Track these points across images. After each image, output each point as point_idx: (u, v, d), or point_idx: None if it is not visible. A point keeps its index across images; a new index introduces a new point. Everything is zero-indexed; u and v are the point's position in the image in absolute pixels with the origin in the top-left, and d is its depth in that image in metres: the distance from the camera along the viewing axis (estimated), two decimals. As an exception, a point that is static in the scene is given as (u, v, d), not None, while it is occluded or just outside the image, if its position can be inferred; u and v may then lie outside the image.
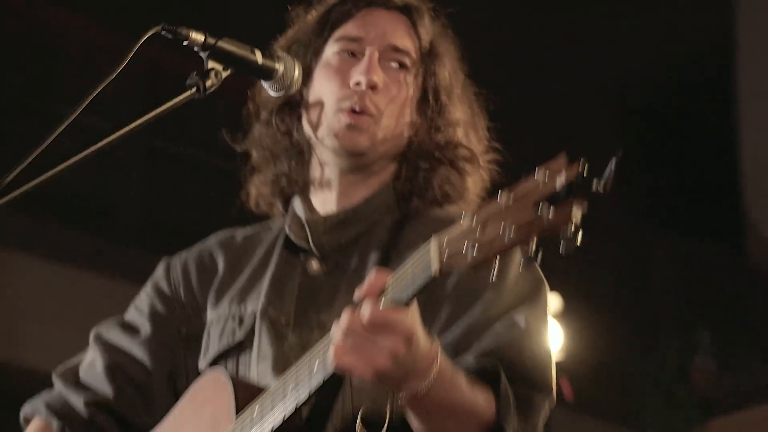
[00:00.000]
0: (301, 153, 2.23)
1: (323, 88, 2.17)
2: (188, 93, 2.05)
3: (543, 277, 2.15)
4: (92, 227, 8.30)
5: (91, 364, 2.28)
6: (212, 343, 2.18)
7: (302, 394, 1.79)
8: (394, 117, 2.14)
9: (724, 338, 9.21)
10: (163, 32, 1.99)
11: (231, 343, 2.14)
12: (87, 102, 1.95)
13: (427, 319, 1.92)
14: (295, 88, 2.14)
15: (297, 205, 2.19)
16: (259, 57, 2.08)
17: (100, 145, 1.99)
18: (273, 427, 1.83)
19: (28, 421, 2.26)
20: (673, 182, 10.56)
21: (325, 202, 2.18)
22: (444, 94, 2.24)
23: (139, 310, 2.32)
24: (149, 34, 2.02)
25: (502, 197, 1.56)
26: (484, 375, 1.87)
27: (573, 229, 1.47)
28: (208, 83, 2.03)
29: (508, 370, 1.92)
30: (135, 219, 8.50)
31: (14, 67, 7.99)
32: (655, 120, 11.46)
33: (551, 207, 1.46)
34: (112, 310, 2.51)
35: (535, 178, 1.51)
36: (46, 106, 7.41)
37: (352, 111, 2.09)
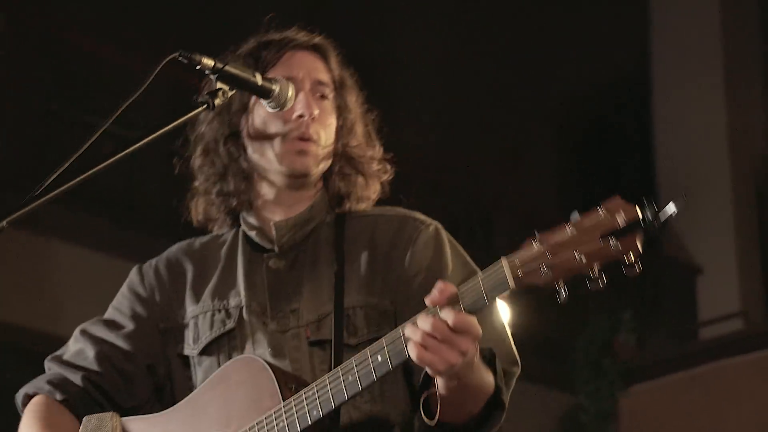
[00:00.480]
0: (248, 176, 2.33)
1: (269, 121, 2.29)
2: (201, 108, 2.21)
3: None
4: (121, 219, 8.79)
5: (80, 352, 2.37)
6: (202, 333, 2.28)
7: (364, 383, 1.92)
8: (329, 140, 2.29)
9: (643, 318, 9.81)
10: (180, 57, 2.14)
11: (222, 331, 2.25)
12: (117, 114, 2.10)
13: (388, 294, 2.23)
14: (289, 105, 2.23)
15: (250, 217, 2.32)
16: (259, 79, 2.22)
17: (129, 150, 2.12)
18: (330, 409, 1.97)
19: (29, 397, 2.35)
20: (600, 182, 11.19)
21: (274, 213, 2.31)
22: (352, 119, 2.37)
23: (119, 310, 2.41)
24: (169, 58, 2.17)
25: (567, 229, 1.76)
26: (484, 358, 2.04)
27: (634, 258, 1.70)
28: (217, 101, 2.16)
29: (502, 356, 2.15)
30: (155, 212, 8.71)
31: (58, 86, 8.68)
32: (586, 133, 12.57)
33: (617, 239, 1.69)
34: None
35: (597, 214, 1.73)
36: (85, 117, 7.92)
37: (300, 139, 2.24)
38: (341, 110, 2.33)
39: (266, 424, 2.01)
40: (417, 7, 11.63)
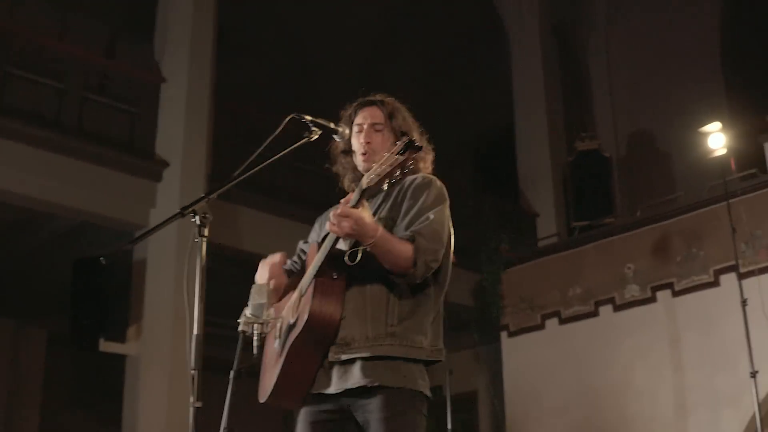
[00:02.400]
0: (354, 168, 3.58)
1: (355, 143, 3.54)
2: (304, 140, 3.44)
3: (446, 196, 3.41)
4: (283, 199, 10.92)
5: (295, 256, 3.74)
6: (323, 233, 3.52)
7: (328, 247, 3.17)
8: (379, 149, 3.42)
9: (512, 236, 13.39)
10: (295, 116, 3.37)
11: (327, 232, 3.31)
12: (261, 148, 3.39)
13: (397, 206, 3.39)
14: (346, 137, 3.52)
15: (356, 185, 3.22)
16: (333, 125, 3.45)
17: (265, 163, 3.41)
18: (323, 257, 3.22)
19: None
20: (489, 184, 15.40)
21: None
22: (399, 129, 3.51)
23: (310, 236, 3.73)
24: (289, 117, 3.41)
25: (381, 159, 2.96)
26: (411, 238, 3.19)
27: (410, 163, 2.91)
28: (313, 136, 3.41)
29: (423, 236, 3.20)
30: (287, 192, 11.20)
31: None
32: (476, 156, 17.00)
33: (401, 156, 2.87)
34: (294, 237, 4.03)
35: (392, 149, 2.92)
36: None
37: (363, 153, 3.49)
38: (394, 132, 3.50)
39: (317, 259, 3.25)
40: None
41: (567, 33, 16.41)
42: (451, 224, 3.42)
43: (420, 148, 2.93)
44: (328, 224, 3.09)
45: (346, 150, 3.59)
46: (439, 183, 3.43)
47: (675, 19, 15.60)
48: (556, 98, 15.36)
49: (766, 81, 11.53)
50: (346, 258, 3.14)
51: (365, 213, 3.08)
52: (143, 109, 10.28)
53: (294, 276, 3.60)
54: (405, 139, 2.90)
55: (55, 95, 9.53)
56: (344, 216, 3.03)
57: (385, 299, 3.23)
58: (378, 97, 3.59)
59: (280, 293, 3.55)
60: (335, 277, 3.20)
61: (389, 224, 3.30)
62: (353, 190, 3.36)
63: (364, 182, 2.97)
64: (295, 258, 3.73)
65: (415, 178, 3.37)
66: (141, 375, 9.44)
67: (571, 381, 11.90)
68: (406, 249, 3.15)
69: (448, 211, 3.38)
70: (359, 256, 3.12)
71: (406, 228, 3.28)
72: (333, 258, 3.21)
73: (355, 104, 3.61)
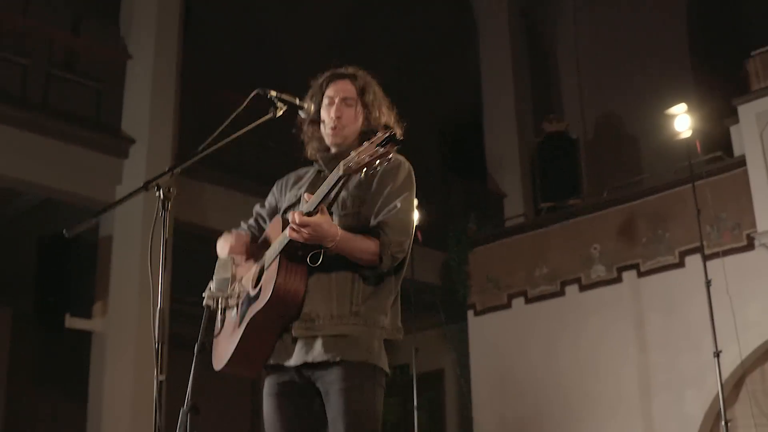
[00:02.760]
0: (320, 138, 3.58)
1: (324, 115, 3.53)
2: (269, 116, 3.43)
3: (414, 179, 3.45)
4: (248, 176, 10.81)
5: (251, 219, 3.80)
6: (286, 203, 3.59)
7: (282, 246, 3.20)
8: (349, 124, 3.49)
9: (473, 219, 13.44)
10: (260, 92, 3.37)
11: (292, 203, 3.55)
12: (226, 123, 3.41)
13: (366, 185, 3.39)
14: (311, 114, 3.53)
15: (320, 154, 3.54)
16: (298, 101, 3.45)
17: (230, 138, 3.43)
18: (279, 249, 3.24)
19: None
20: (457, 164, 15.63)
21: (332, 150, 3.53)
22: (371, 104, 3.52)
23: (267, 199, 3.74)
24: (254, 93, 3.43)
25: (361, 147, 2.93)
26: (377, 233, 3.26)
27: (389, 156, 2.87)
28: (278, 112, 3.38)
29: (389, 228, 3.27)
30: (253, 169, 11.10)
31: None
32: (444, 136, 17.15)
33: (382, 148, 2.83)
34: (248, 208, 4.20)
35: (374, 139, 2.88)
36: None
37: (333, 128, 3.49)
38: (365, 107, 3.51)
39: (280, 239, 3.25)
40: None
41: (535, 15, 16.42)
42: (415, 208, 3.46)
43: (401, 142, 2.93)
44: (288, 230, 3.12)
45: (314, 120, 3.59)
46: (407, 166, 3.46)
47: (643, 1, 15.67)
48: (523, 80, 15.41)
49: (733, 64, 11.59)
50: (308, 260, 3.20)
51: (323, 219, 3.12)
52: (109, 85, 10.19)
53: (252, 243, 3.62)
54: (387, 132, 2.88)
55: (20, 71, 9.42)
56: (303, 225, 3.08)
57: (350, 279, 3.27)
58: (350, 70, 3.59)
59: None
60: (300, 254, 3.21)
61: (356, 202, 3.35)
62: (315, 159, 3.55)
63: (341, 169, 2.96)
64: (251, 221, 3.78)
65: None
66: (107, 351, 9.41)
67: (538, 360, 12.07)
68: (369, 246, 3.23)
69: (413, 196, 3.42)
70: (320, 258, 3.18)
71: (375, 216, 3.33)
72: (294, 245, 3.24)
73: (327, 74, 3.60)
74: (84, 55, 10.15)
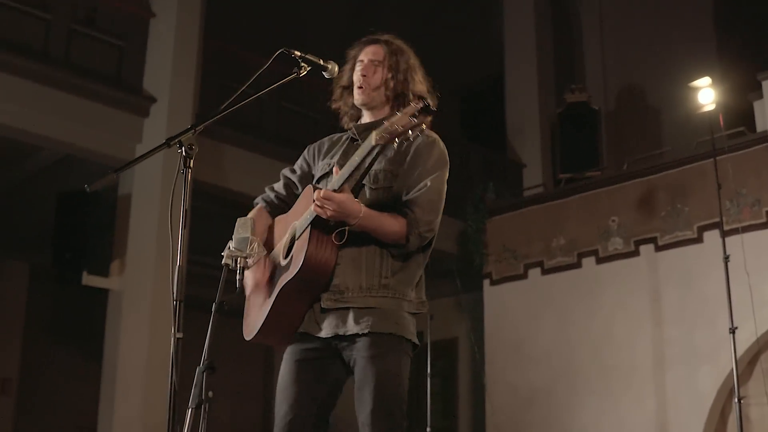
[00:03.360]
0: (354, 107, 3.59)
1: (354, 79, 3.55)
2: (293, 75, 3.41)
3: (447, 158, 3.44)
4: (269, 139, 10.93)
5: (278, 183, 3.69)
6: (319, 173, 3.55)
7: (312, 217, 3.19)
8: (377, 84, 3.48)
9: (497, 187, 13.35)
10: (285, 51, 3.30)
11: (324, 173, 3.50)
12: (250, 81, 3.33)
13: (399, 159, 3.39)
14: (335, 75, 3.51)
15: (353, 123, 3.56)
16: (322, 62, 3.44)
17: (252, 97, 3.38)
18: (310, 220, 3.23)
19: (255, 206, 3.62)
20: (477, 133, 15.83)
21: (365, 119, 3.56)
22: (401, 69, 3.49)
23: (298, 164, 3.67)
24: (279, 52, 3.35)
25: (394, 117, 2.94)
26: (405, 212, 3.27)
27: (422, 127, 2.90)
28: (302, 72, 3.36)
29: (418, 207, 3.27)
30: (273, 132, 11.20)
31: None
32: (465, 104, 17.13)
33: (415, 119, 2.86)
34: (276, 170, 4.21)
35: (407, 109, 2.90)
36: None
37: (359, 87, 3.50)
38: (392, 69, 3.49)
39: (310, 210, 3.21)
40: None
41: (561, -16, 16.20)
42: (445, 187, 3.45)
43: (434, 113, 2.96)
44: (313, 205, 3.15)
45: (346, 87, 3.61)
46: (441, 145, 3.46)
47: (669, -27, 15.54)
48: (547, 50, 15.34)
49: (758, 38, 11.51)
50: (333, 237, 3.22)
51: (346, 196, 3.14)
52: (131, 43, 10.21)
53: (278, 214, 3.64)
54: (420, 102, 2.90)
55: (42, 26, 9.40)
56: (326, 199, 3.11)
57: (379, 252, 3.29)
58: (385, 36, 3.61)
59: (263, 235, 3.57)
60: (331, 225, 3.23)
61: (388, 176, 3.35)
62: (349, 128, 3.58)
63: (374, 139, 2.98)
64: (279, 188, 3.74)
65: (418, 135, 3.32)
66: (123, 310, 9.47)
67: (552, 331, 12.03)
68: (395, 224, 3.25)
69: (446, 176, 3.42)
70: (346, 235, 3.22)
71: (406, 193, 3.34)
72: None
73: (362, 41, 3.64)
74: (107, 11, 10.14)
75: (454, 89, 16.27)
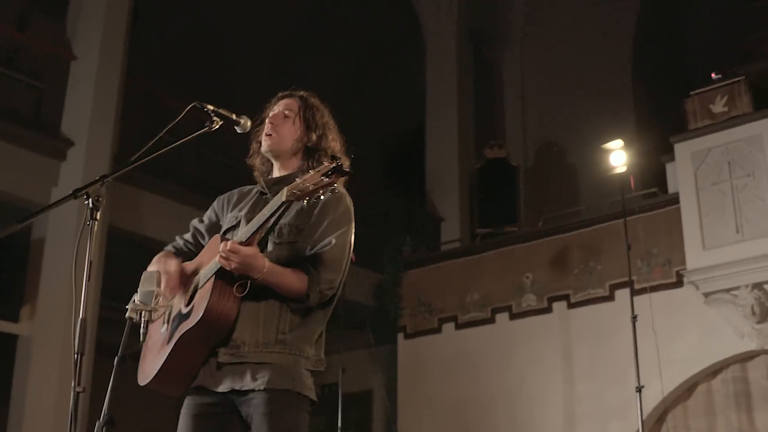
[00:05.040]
0: (265, 161, 3.62)
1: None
2: (205, 129, 3.42)
3: (352, 215, 3.45)
4: (187, 185, 10.82)
5: (188, 234, 3.75)
6: (226, 225, 3.57)
7: (217, 267, 3.18)
8: (285, 135, 3.52)
9: (414, 241, 13.46)
10: (197, 105, 3.35)
11: (232, 225, 3.53)
12: (162, 133, 3.36)
13: (305, 214, 3.38)
14: (247, 130, 3.47)
15: (262, 178, 3.59)
16: (234, 116, 3.42)
17: (169, 147, 3.41)
18: (214, 270, 3.21)
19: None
20: (397, 185, 15.75)
21: (275, 173, 3.58)
22: (317, 125, 3.54)
23: (207, 215, 3.73)
24: (191, 105, 3.39)
25: (306, 175, 2.91)
26: (308, 268, 3.27)
27: (333, 186, 2.86)
28: (214, 126, 3.38)
29: (321, 264, 3.28)
30: (192, 178, 11.14)
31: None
32: (386, 155, 17.10)
33: (327, 178, 2.83)
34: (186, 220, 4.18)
35: (319, 168, 2.87)
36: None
37: (267, 134, 3.52)
38: (308, 124, 3.55)
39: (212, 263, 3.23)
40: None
41: (483, 40, 16.50)
42: (351, 244, 3.44)
43: (347, 174, 2.95)
44: (218, 257, 3.14)
45: (260, 141, 3.62)
46: (348, 201, 3.46)
47: (590, 34, 15.85)
48: (468, 104, 15.48)
49: (673, 101, 11.77)
50: (234, 289, 3.20)
51: (253, 250, 3.14)
52: (51, 85, 10.10)
53: (186, 260, 3.59)
54: (333, 162, 2.87)
55: (-41, 66, 9.27)
56: (232, 252, 3.10)
57: (278, 307, 3.28)
58: (300, 92, 3.65)
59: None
60: (233, 278, 3.22)
61: (293, 231, 3.35)
62: (259, 182, 3.58)
63: (284, 195, 2.95)
64: (188, 237, 3.75)
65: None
66: (32, 356, 9.28)
67: (465, 385, 12.08)
68: (296, 281, 3.24)
69: (351, 232, 3.42)
70: (247, 288, 3.20)
71: (310, 248, 3.34)
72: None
73: (278, 96, 3.67)
74: (28, 52, 10.03)
75: (376, 139, 16.36)
